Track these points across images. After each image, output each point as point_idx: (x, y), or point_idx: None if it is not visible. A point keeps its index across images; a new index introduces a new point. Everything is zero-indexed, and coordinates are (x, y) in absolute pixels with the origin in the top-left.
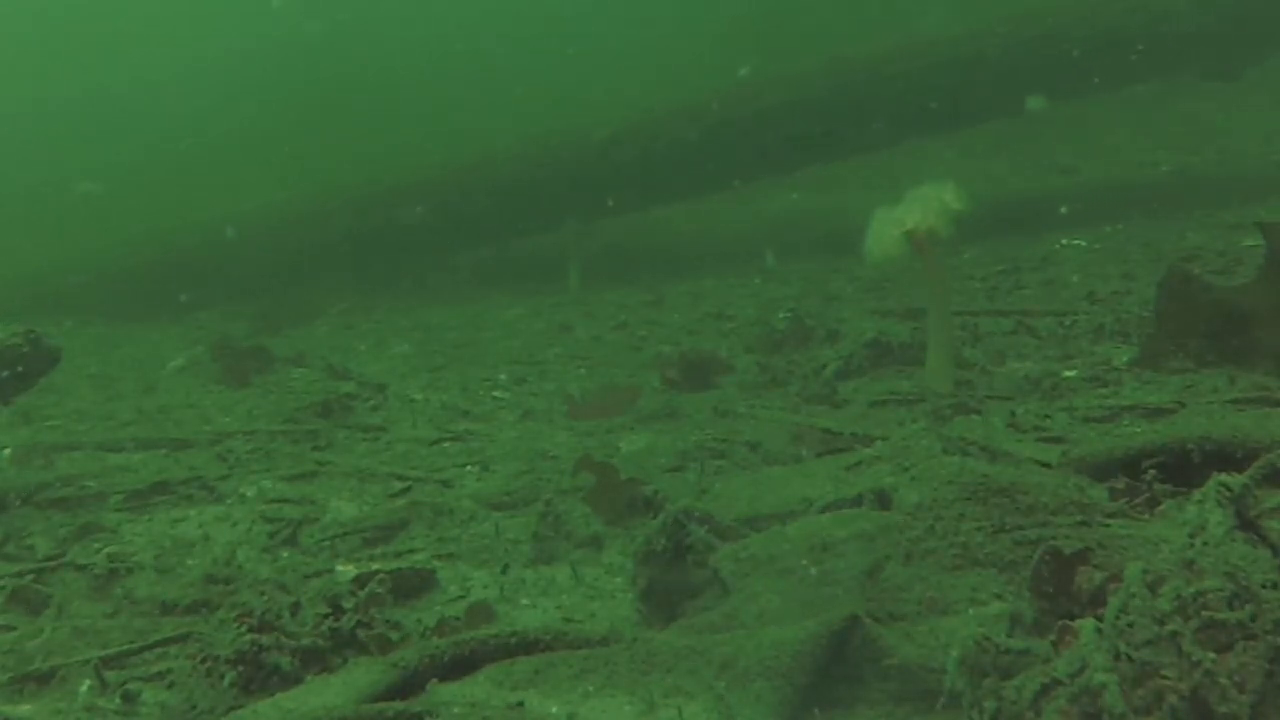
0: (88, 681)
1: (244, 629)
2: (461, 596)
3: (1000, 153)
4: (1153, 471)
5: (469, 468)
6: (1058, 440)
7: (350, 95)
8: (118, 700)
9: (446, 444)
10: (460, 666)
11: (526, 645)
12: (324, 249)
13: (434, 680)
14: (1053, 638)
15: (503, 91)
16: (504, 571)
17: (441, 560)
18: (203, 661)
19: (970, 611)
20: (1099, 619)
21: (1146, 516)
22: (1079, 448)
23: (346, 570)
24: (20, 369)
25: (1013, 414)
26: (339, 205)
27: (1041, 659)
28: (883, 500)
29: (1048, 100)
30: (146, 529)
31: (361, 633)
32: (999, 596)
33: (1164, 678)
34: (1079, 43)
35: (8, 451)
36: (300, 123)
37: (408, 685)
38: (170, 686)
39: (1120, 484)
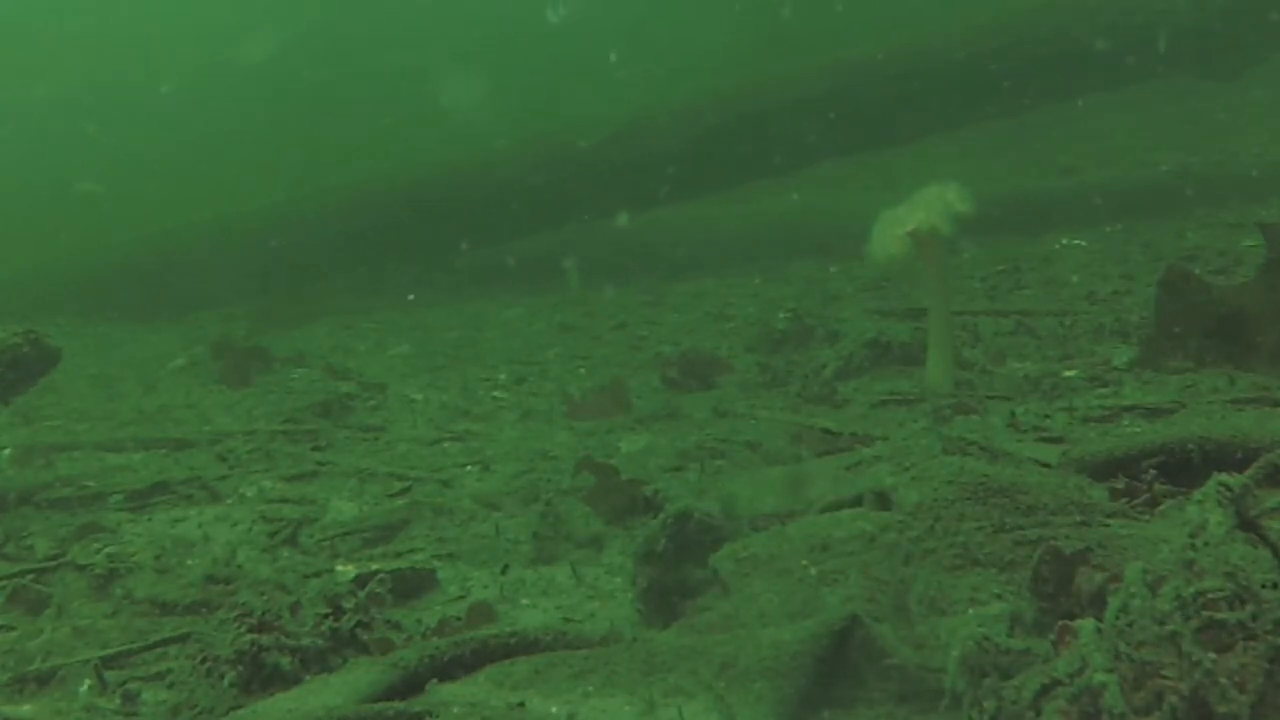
0: (88, 681)
1: (244, 629)
2: (461, 596)
3: (1000, 153)
4: (1153, 471)
5: (469, 468)
6: (1058, 440)
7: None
8: (118, 700)
9: (446, 444)
10: (460, 666)
11: (526, 645)
12: (323, 250)
13: (434, 680)
14: (1053, 638)
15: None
16: (504, 571)
17: (441, 560)
18: (203, 661)
19: (970, 611)
20: (1099, 619)
21: (1146, 516)
22: (1079, 448)
23: (346, 570)
24: (20, 369)
25: (1013, 414)
26: (335, 206)
27: (1041, 659)
28: (883, 500)
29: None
30: (146, 529)
31: (361, 633)
32: (999, 596)
33: (1164, 678)
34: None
35: (8, 451)
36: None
37: (408, 685)
38: (170, 686)
39: (1120, 484)
